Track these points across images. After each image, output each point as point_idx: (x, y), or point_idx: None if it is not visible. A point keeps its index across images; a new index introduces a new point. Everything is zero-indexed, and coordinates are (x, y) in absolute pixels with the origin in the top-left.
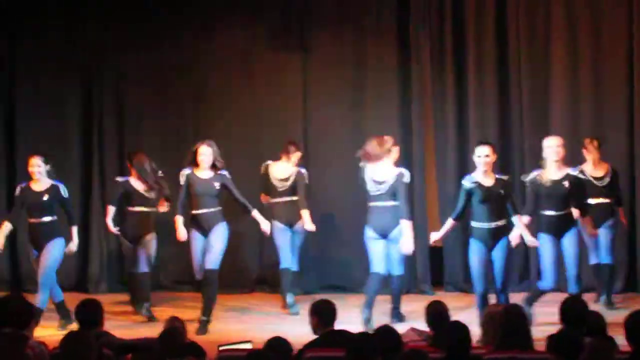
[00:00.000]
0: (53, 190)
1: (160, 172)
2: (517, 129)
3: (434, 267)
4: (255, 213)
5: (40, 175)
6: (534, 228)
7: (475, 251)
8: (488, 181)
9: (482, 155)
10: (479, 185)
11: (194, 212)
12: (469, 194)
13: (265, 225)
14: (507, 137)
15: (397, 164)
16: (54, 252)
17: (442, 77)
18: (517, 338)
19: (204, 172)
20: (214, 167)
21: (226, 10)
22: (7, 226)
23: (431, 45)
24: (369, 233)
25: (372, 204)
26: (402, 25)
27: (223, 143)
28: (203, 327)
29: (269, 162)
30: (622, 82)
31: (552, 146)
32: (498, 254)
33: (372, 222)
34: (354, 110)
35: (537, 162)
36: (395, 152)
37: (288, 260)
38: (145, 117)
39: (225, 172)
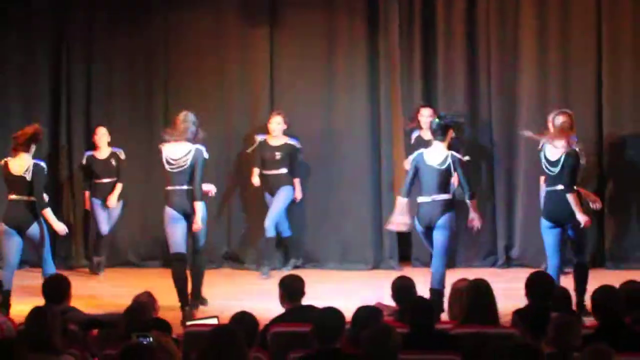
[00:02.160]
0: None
1: None
2: (485, 103)
3: (401, 243)
4: None
5: None
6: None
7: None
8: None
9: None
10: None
11: None
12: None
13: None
14: (475, 110)
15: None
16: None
17: (410, 51)
18: (483, 312)
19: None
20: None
21: None
22: None
23: (400, 18)
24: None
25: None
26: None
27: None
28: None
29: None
30: (591, 60)
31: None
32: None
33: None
34: (322, 84)
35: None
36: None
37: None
38: (113, 92)
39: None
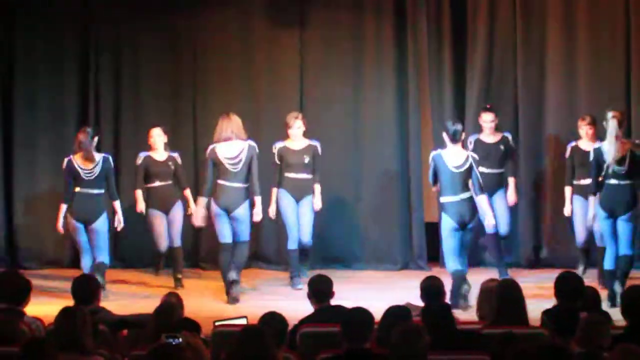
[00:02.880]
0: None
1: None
2: (512, 105)
3: (430, 243)
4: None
5: None
6: None
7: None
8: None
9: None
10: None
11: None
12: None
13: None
14: (501, 112)
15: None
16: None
17: (439, 50)
18: (513, 313)
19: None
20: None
21: None
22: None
23: (428, 17)
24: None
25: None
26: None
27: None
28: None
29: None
30: (619, 61)
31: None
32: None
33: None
34: (350, 85)
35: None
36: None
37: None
38: (141, 92)
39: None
